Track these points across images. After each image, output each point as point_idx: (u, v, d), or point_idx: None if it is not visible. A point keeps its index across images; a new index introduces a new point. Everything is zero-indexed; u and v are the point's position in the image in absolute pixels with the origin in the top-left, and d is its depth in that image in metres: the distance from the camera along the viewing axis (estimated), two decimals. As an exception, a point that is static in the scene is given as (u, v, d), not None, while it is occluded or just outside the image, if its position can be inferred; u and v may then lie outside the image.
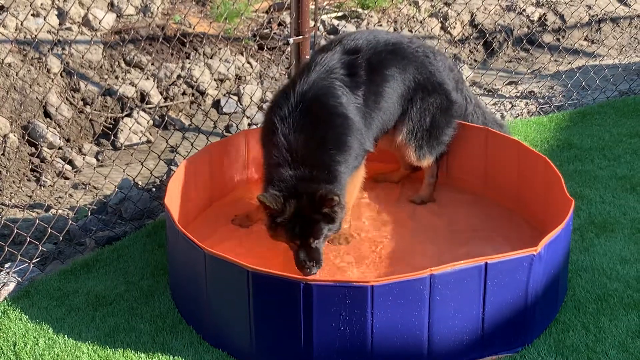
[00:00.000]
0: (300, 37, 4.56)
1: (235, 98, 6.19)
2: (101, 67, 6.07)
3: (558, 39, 7.20)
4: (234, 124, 5.87)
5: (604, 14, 7.33)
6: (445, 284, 3.21)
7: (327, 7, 7.33)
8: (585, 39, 7.27)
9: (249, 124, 5.76)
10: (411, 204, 4.42)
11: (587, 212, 4.39)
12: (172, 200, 3.78)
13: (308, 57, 4.64)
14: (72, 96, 5.86)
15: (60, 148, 5.52)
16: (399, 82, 4.13)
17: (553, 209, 3.84)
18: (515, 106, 5.89)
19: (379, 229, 4.18)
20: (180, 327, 3.58)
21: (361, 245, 4.06)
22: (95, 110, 5.80)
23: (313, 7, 4.68)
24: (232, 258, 3.30)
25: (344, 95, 3.90)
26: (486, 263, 3.25)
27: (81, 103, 5.83)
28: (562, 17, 7.44)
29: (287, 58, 6.54)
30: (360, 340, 3.21)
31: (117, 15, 6.52)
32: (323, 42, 6.71)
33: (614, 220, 4.32)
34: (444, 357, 3.32)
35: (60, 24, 6.18)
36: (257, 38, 6.27)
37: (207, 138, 5.23)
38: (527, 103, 5.91)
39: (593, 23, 7.44)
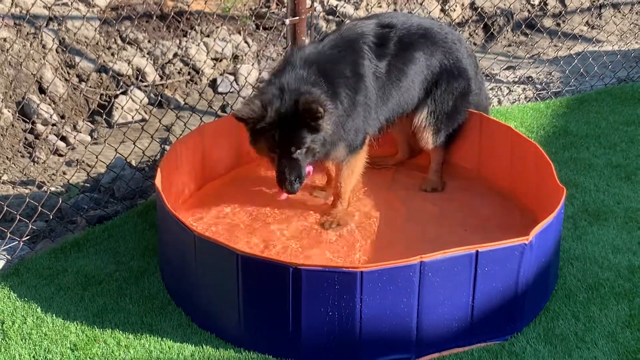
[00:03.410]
0: (297, 18, 4.51)
1: (232, 78, 6.14)
2: (97, 43, 6.03)
3: (558, 24, 7.15)
4: (229, 103, 5.83)
5: (605, -1, 7.29)
6: (435, 271, 3.20)
7: (327, -13, 7.26)
8: (585, 24, 7.22)
9: (245, 104, 5.72)
10: (404, 189, 4.39)
11: (581, 200, 4.37)
12: (164, 182, 3.76)
13: (304, 38, 4.60)
14: (67, 72, 5.81)
15: (54, 125, 5.48)
16: (424, 66, 4.16)
17: (545, 197, 3.82)
18: (512, 91, 5.85)
19: (371, 214, 4.16)
20: (169, 309, 3.57)
21: (352, 229, 4.03)
22: (90, 87, 5.76)
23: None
24: (222, 241, 3.28)
25: (368, 59, 3.91)
26: (477, 251, 3.24)
27: (76, 79, 5.79)
28: (562, 1, 7.38)
29: (285, 38, 6.49)
30: (348, 326, 3.19)
31: (114, -8, 6.46)
32: (322, 22, 6.66)
33: (607, 209, 4.30)
34: (433, 343, 3.31)
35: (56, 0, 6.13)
36: (255, 17, 6.22)
37: (201, 118, 5.19)
38: (524, 89, 5.88)
39: (593, 8, 7.38)
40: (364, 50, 3.92)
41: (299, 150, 3.58)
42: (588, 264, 3.86)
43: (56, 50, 5.81)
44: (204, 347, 3.35)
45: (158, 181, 3.67)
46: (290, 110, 3.53)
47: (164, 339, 3.39)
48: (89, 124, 5.63)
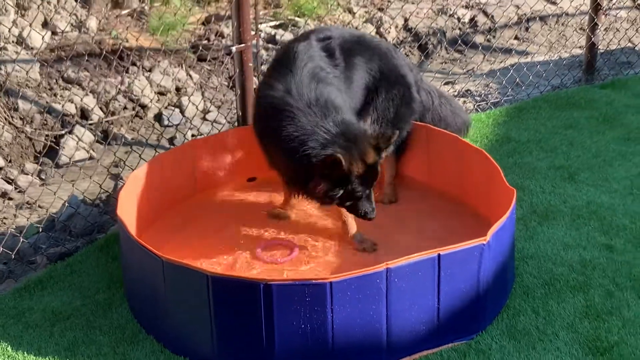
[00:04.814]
0: (243, 45, 4.61)
1: (177, 110, 6.20)
2: (39, 85, 6.02)
3: (489, 39, 7.41)
4: (177, 135, 5.88)
5: (532, 12, 7.56)
6: (401, 276, 3.31)
7: (264, 16, 7.40)
8: (515, 38, 7.49)
9: (193, 135, 5.78)
10: None
11: (529, 202, 4.54)
12: (124, 211, 3.79)
13: (251, 64, 4.70)
14: (11, 116, 5.79)
15: (1, 169, 5.45)
16: (365, 71, 4.25)
17: (496, 200, 3.97)
18: (453, 105, 6.04)
19: (329, 227, 4.23)
20: (140, 337, 3.59)
21: (319, 246, 4.10)
22: (35, 128, 5.75)
23: (253, 16, 4.74)
24: (191, 264, 3.33)
25: (332, 72, 4.03)
26: (439, 254, 3.36)
27: (20, 122, 5.77)
28: (492, 17, 7.65)
29: (227, 68, 6.58)
30: (321, 337, 3.27)
31: (53, 33, 6.47)
32: (263, 52, 6.77)
33: (555, 208, 4.48)
34: (403, 348, 3.41)
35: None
36: (197, 49, 6.30)
37: (155, 149, 5.23)
38: (464, 101, 6.07)
39: (522, 22, 7.67)
40: (324, 66, 4.01)
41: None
42: (542, 261, 4.02)
43: (-2, 95, 5.79)
44: (179, 371, 3.38)
45: (120, 211, 3.71)
46: (368, 151, 3.70)
47: (138, 366, 3.41)
48: (36, 165, 5.61)
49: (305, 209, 4.37)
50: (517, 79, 6.21)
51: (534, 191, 4.66)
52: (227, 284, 3.27)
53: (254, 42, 4.75)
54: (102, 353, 3.49)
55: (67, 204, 4.75)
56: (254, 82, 4.80)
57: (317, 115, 3.74)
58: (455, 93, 6.20)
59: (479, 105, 5.94)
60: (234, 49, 4.61)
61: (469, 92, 6.23)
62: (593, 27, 6.19)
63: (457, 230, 4.14)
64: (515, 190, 3.80)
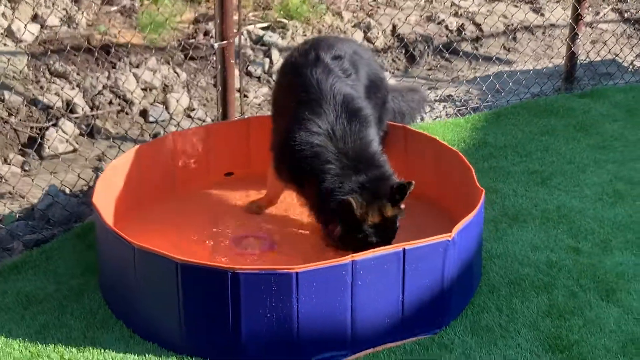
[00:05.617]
0: (225, 42, 4.69)
1: (163, 106, 6.27)
2: (26, 77, 6.08)
3: (476, 48, 7.50)
4: (161, 132, 5.95)
5: (519, 23, 7.66)
6: (366, 269, 3.38)
7: (253, 17, 7.48)
8: (502, 47, 7.59)
9: (177, 131, 5.85)
10: None
11: (500, 205, 4.63)
12: (100, 200, 3.85)
13: (232, 61, 4.77)
14: (-4, 107, 5.85)
15: (-16, 159, 5.51)
16: (366, 79, 4.33)
17: (466, 200, 4.05)
18: (434, 109, 6.13)
19: (305, 222, 4.30)
20: (110, 322, 3.65)
21: (290, 236, 4.17)
22: (20, 120, 5.81)
23: (237, 17, 4.83)
24: (161, 251, 3.40)
25: (356, 93, 4.06)
26: (404, 249, 3.43)
27: (6, 114, 5.83)
28: (479, 27, 7.74)
29: (214, 67, 6.65)
30: (287, 326, 3.34)
31: (42, 27, 6.54)
32: (250, 52, 6.85)
33: (526, 211, 4.56)
34: (367, 340, 3.48)
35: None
36: (185, 48, 6.37)
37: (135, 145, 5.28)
38: (445, 106, 6.16)
39: (509, 32, 7.76)
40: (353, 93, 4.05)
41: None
42: (509, 262, 4.10)
43: (-16, 86, 5.85)
44: (147, 356, 3.44)
45: (96, 198, 3.77)
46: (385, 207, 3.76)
47: (106, 351, 3.47)
48: (20, 156, 5.67)
49: (283, 203, 4.44)
50: (498, 86, 6.30)
51: (506, 194, 4.74)
52: (195, 272, 3.34)
53: (238, 39, 4.83)
54: (72, 337, 3.55)
55: (46, 193, 4.81)
56: (236, 78, 4.87)
57: (349, 163, 3.81)
58: (437, 97, 6.29)
59: (459, 110, 6.04)
60: (216, 45, 4.69)
61: (449, 97, 6.32)
62: (573, 37, 6.29)
63: (428, 230, 4.20)
64: (484, 190, 3.88)
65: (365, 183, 3.76)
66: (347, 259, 3.34)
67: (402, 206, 3.82)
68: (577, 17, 6.23)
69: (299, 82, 4.01)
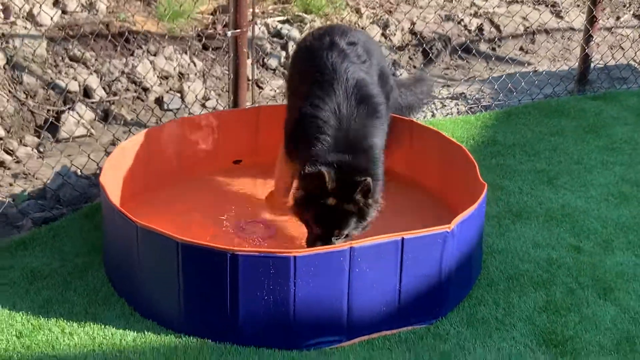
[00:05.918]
0: (238, 30, 4.75)
1: (178, 95, 6.34)
2: (45, 61, 6.18)
3: (493, 48, 7.50)
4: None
5: (539, 25, 7.66)
6: (364, 257, 3.41)
7: (272, 10, 7.54)
8: (520, 49, 7.59)
9: (190, 119, 5.91)
10: None
11: (505, 202, 4.65)
12: (108, 179, 3.92)
13: (245, 50, 4.83)
14: (15, 89, 5.95)
15: (1, 139, 5.60)
16: (377, 69, 4.35)
17: (469, 194, 4.07)
18: (445, 106, 6.16)
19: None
20: (112, 300, 3.72)
21: (295, 225, 4.21)
22: (37, 102, 5.90)
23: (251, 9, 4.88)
24: (163, 230, 3.46)
25: (369, 79, 4.08)
26: (403, 238, 3.47)
27: (23, 96, 5.93)
28: (498, 27, 7.75)
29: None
30: (283, 309, 3.38)
31: (62, 12, 6.64)
32: (267, 44, 6.91)
33: (530, 209, 4.58)
34: (363, 326, 3.52)
35: (5, 18, 6.28)
36: (202, 38, 6.44)
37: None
38: (457, 103, 6.19)
39: (527, 34, 7.77)
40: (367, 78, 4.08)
41: (341, 233, 3.71)
42: (510, 257, 4.12)
43: (3, 67, 5.95)
44: (146, 333, 3.51)
45: (103, 178, 3.84)
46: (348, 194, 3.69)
47: (107, 326, 3.54)
48: (35, 138, 5.76)
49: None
50: (510, 85, 6.32)
51: (511, 191, 4.76)
52: (195, 252, 3.39)
53: (251, 28, 4.89)
54: (74, 312, 3.62)
55: (58, 173, 4.89)
56: (248, 67, 4.93)
57: (343, 144, 3.80)
58: (449, 95, 6.32)
59: (471, 107, 6.06)
60: (229, 33, 4.74)
61: (462, 94, 6.34)
62: (587, 39, 6.29)
63: (429, 222, 4.22)
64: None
65: (344, 167, 3.71)
66: (346, 245, 3.38)
67: (371, 204, 3.75)
68: (592, 20, 6.23)
69: (314, 64, 4.07)
